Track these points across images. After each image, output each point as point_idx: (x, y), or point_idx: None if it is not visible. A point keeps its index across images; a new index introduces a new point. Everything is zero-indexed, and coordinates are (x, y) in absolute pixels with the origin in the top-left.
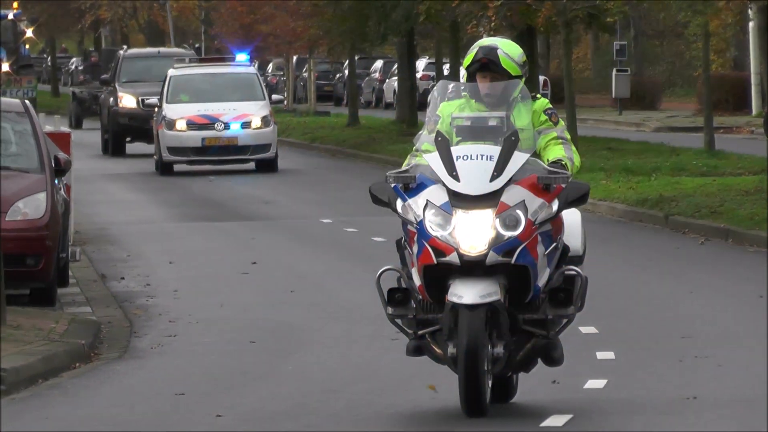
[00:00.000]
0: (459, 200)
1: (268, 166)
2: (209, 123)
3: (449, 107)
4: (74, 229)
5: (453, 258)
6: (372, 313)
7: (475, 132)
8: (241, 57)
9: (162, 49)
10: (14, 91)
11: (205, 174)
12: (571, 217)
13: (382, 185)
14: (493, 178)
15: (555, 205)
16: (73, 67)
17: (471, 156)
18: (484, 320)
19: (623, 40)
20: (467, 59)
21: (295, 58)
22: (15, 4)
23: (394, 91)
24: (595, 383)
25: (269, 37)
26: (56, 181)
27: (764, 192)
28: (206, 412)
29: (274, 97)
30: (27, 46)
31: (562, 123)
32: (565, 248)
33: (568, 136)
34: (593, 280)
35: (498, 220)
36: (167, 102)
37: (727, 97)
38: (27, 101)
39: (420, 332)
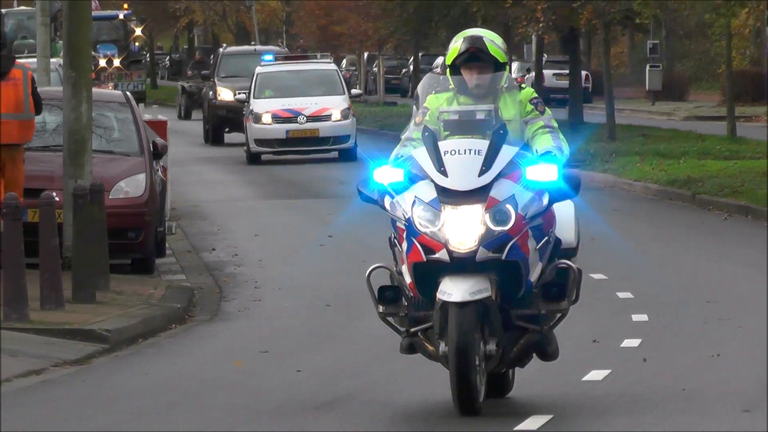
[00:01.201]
0: (447, 196)
1: (348, 155)
2: (293, 116)
3: (437, 100)
4: (170, 206)
5: (442, 255)
6: None
7: (463, 126)
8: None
9: (258, 47)
10: (125, 85)
11: (288, 163)
12: (564, 210)
13: (381, 173)
14: (481, 173)
15: (546, 199)
16: (168, 63)
17: (459, 151)
18: (475, 317)
19: (655, 40)
20: (452, 53)
21: (366, 54)
22: (125, 5)
23: None
24: (631, 342)
25: (343, 37)
26: (154, 164)
27: None
28: (287, 368)
29: (354, 91)
30: (136, 44)
31: (548, 111)
32: (557, 241)
33: (555, 125)
34: (629, 251)
35: (487, 215)
36: (254, 97)
37: (747, 89)
38: (128, 93)
39: (412, 330)
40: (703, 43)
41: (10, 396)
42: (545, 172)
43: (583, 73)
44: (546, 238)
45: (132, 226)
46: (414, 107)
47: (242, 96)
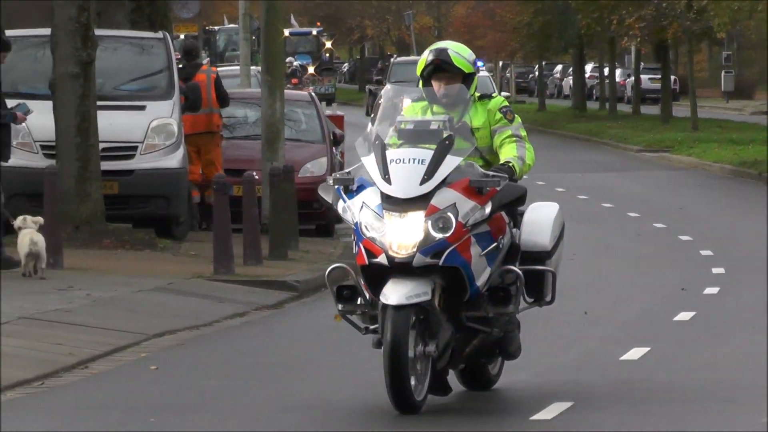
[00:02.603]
0: (390, 203)
1: None
2: None
3: (413, 109)
4: None
5: (382, 259)
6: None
7: (416, 135)
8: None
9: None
10: (318, 88)
11: None
12: (539, 213)
13: (327, 187)
14: (423, 182)
15: (488, 208)
16: (345, 69)
17: (403, 160)
18: (410, 320)
19: (729, 51)
20: (420, 64)
21: (501, 63)
22: (318, 23)
23: (570, 86)
24: (711, 290)
25: (482, 48)
26: (333, 150)
27: None
28: None
29: (503, 93)
30: (327, 55)
31: (518, 120)
32: (513, 246)
33: (524, 133)
34: (709, 218)
35: (429, 222)
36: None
37: None
38: (313, 93)
39: (371, 328)
40: (765, 54)
41: (222, 332)
42: (486, 182)
43: (672, 77)
44: (495, 244)
45: (316, 198)
46: (373, 115)
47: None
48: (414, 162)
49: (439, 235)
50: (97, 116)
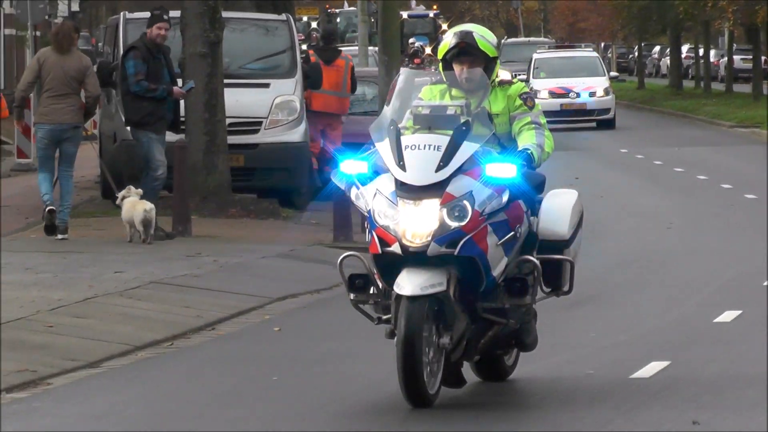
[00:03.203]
0: (405, 190)
1: (607, 124)
2: (565, 93)
3: (431, 92)
4: None
5: (396, 248)
6: (647, 208)
7: (432, 120)
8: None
9: (531, 39)
10: (435, 67)
11: (558, 130)
12: (558, 201)
13: (348, 166)
14: (438, 168)
15: (505, 196)
16: None
17: (419, 146)
18: (424, 311)
19: None
20: (443, 48)
21: (602, 44)
22: (435, 6)
23: (667, 65)
24: None
25: (585, 31)
26: None
27: None
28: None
29: (611, 74)
30: (442, 36)
31: (538, 107)
32: (531, 235)
33: (543, 121)
34: None
35: (444, 210)
36: (533, 77)
37: None
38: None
39: (384, 318)
40: None
41: (341, 296)
42: (504, 170)
43: (762, 57)
44: (512, 233)
45: None
46: (388, 98)
47: (522, 77)
48: (429, 148)
49: (454, 224)
50: (224, 93)
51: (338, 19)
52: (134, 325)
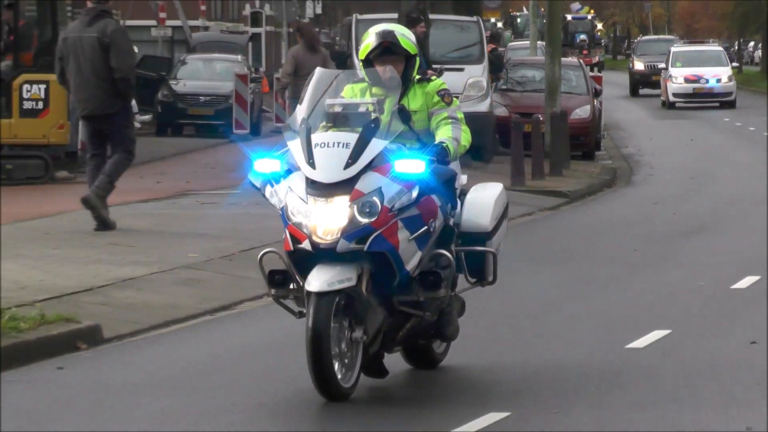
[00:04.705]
0: (315, 188)
1: (730, 105)
2: (696, 79)
3: (351, 90)
4: (603, 123)
5: (306, 245)
6: (747, 162)
7: (344, 118)
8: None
9: (660, 36)
10: (595, 59)
11: (685, 109)
12: (481, 194)
13: (263, 165)
14: (347, 166)
15: (415, 191)
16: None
17: (328, 144)
18: (332, 307)
19: None
20: (365, 49)
21: (710, 40)
22: (592, 10)
23: (759, 56)
24: None
25: (699, 30)
26: (595, 100)
27: None
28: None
29: (733, 64)
30: (598, 34)
31: (456, 102)
32: (448, 228)
33: (461, 116)
34: None
35: (354, 207)
36: (671, 66)
37: None
38: (580, 59)
39: (304, 312)
40: None
41: (518, 226)
42: (413, 166)
43: None
44: (426, 227)
45: (582, 133)
46: (301, 97)
47: (662, 65)
48: (338, 146)
49: (364, 220)
50: None
51: (518, 20)
52: None
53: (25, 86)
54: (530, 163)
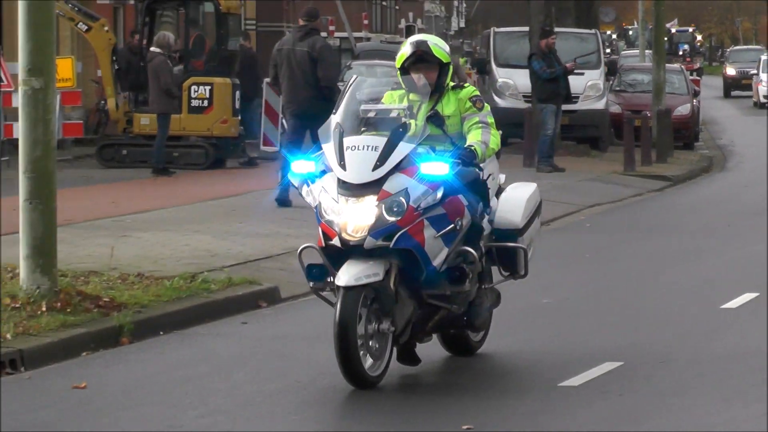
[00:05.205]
0: (345, 188)
1: None
2: None
3: (391, 97)
4: (701, 118)
5: (336, 242)
6: None
7: (376, 123)
8: None
9: (749, 47)
10: (697, 65)
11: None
12: (515, 193)
13: (301, 165)
14: (375, 168)
15: (439, 192)
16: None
17: (358, 147)
18: (359, 300)
19: None
20: (400, 58)
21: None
22: (693, 24)
23: None
24: None
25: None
26: (694, 100)
27: None
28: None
29: None
30: (699, 44)
31: (487, 108)
32: (475, 227)
33: (491, 120)
34: None
35: (382, 206)
36: (761, 72)
37: None
38: (681, 66)
39: None
40: None
41: (628, 205)
42: (438, 168)
43: None
44: (452, 225)
45: (684, 127)
46: (337, 104)
47: (752, 72)
48: (368, 149)
49: (391, 219)
50: None
51: (630, 32)
52: None
53: (193, 87)
54: (640, 152)
